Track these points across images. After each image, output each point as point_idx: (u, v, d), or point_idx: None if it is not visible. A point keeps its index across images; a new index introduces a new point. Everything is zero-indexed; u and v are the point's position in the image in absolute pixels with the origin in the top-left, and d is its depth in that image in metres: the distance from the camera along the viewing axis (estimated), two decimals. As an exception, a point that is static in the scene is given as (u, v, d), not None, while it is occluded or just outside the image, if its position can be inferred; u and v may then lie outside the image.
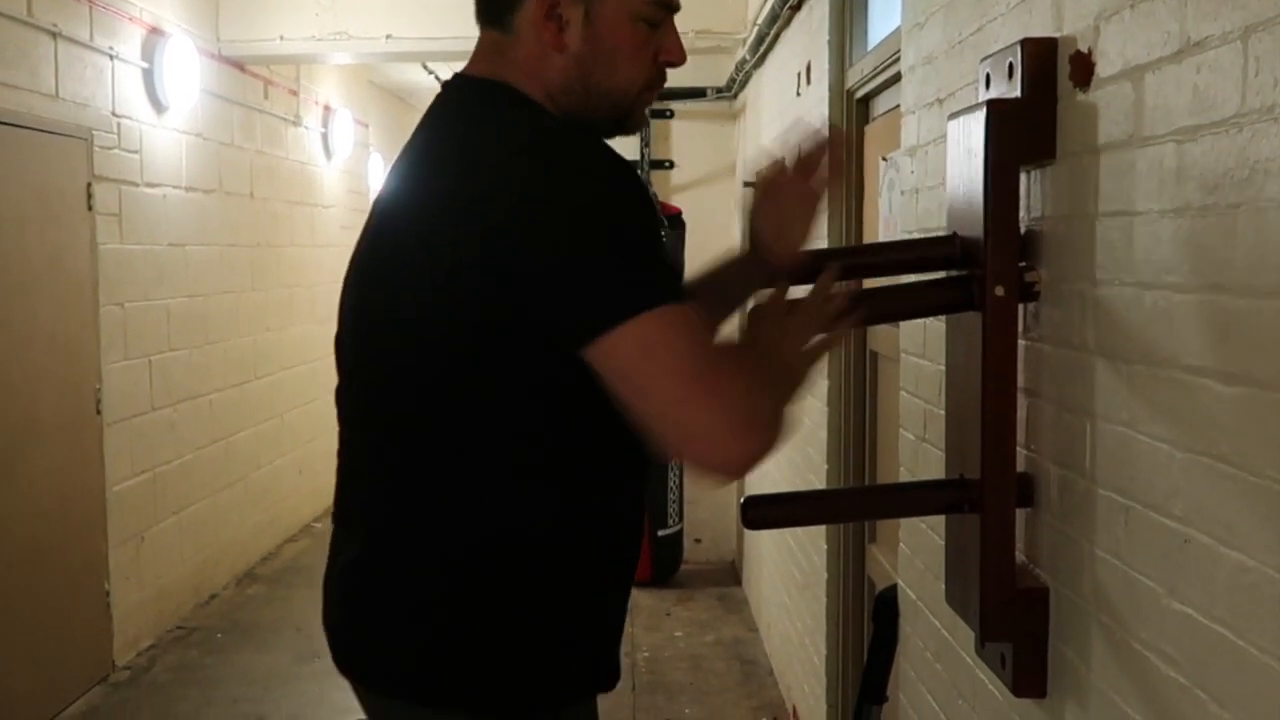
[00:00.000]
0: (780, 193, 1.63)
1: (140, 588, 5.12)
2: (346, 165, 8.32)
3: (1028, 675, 1.62)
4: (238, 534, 6.34)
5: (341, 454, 1.54)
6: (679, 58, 1.50)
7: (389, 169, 1.54)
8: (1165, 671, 1.27)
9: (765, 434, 1.29)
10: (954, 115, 1.71)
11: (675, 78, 1.70)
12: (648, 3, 1.44)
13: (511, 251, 1.28)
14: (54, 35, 4.40)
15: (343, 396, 1.52)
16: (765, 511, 1.77)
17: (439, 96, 1.53)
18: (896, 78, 2.69)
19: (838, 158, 1.68)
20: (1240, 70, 1.11)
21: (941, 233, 1.77)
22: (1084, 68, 1.46)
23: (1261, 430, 1.08)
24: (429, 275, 1.35)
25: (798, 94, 4.08)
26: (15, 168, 4.16)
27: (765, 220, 1.63)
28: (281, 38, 5.94)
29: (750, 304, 1.55)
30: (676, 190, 6.74)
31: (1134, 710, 1.34)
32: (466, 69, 1.51)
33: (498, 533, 1.39)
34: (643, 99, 1.50)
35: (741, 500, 1.73)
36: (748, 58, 5.28)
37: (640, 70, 1.47)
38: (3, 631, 4.01)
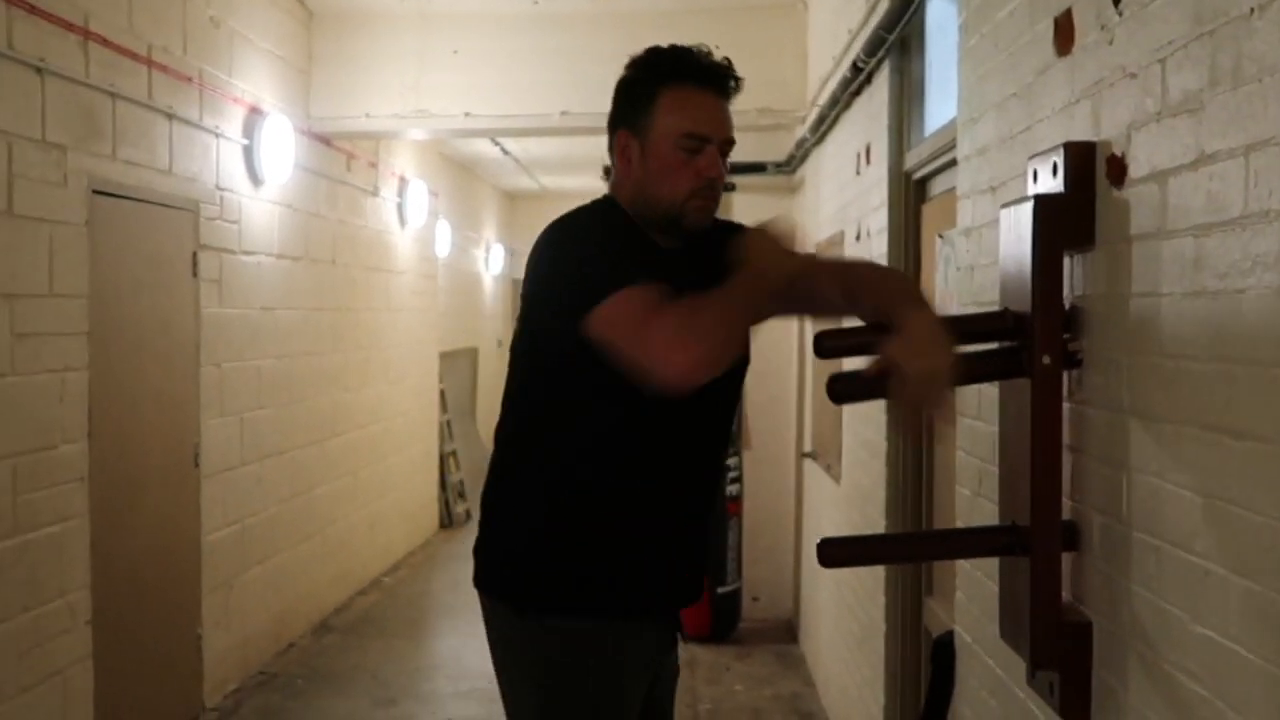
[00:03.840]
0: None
1: (228, 634, 5.39)
2: (418, 233, 8.69)
3: (1074, 700, 1.81)
4: (314, 585, 6.61)
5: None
6: (714, 173, 2.07)
7: None
8: (1190, 687, 1.48)
9: (695, 349, 1.80)
10: (1006, 205, 1.95)
11: (738, 153, 2.18)
12: (682, 136, 2.05)
13: (535, 284, 2.08)
14: (169, 116, 4.78)
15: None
16: (838, 551, 2.00)
17: None
18: (951, 163, 2.94)
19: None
20: (1243, 180, 1.35)
21: (994, 308, 2.00)
22: (1118, 170, 1.70)
23: (1264, 477, 1.31)
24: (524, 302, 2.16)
25: (857, 173, 4.34)
26: (133, 238, 4.52)
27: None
28: (367, 115, 6.33)
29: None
30: (737, 259, 6.99)
31: (1165, 723, 1.55)
32: None
33: (538, 473, 2.10)
34: (691, 205, 2.07)
35: (817, 543, 1.95)
36: (808, 136, 5.55)
37: (682, 183, 2.06)
38: (107, 666, 4.28)
